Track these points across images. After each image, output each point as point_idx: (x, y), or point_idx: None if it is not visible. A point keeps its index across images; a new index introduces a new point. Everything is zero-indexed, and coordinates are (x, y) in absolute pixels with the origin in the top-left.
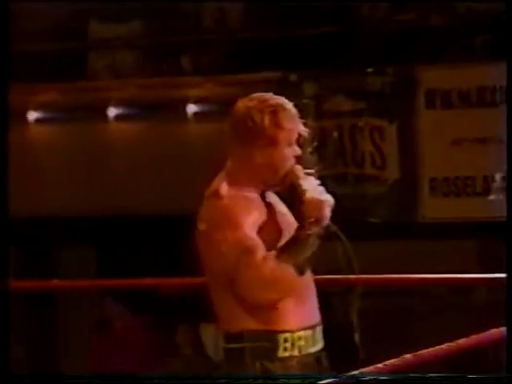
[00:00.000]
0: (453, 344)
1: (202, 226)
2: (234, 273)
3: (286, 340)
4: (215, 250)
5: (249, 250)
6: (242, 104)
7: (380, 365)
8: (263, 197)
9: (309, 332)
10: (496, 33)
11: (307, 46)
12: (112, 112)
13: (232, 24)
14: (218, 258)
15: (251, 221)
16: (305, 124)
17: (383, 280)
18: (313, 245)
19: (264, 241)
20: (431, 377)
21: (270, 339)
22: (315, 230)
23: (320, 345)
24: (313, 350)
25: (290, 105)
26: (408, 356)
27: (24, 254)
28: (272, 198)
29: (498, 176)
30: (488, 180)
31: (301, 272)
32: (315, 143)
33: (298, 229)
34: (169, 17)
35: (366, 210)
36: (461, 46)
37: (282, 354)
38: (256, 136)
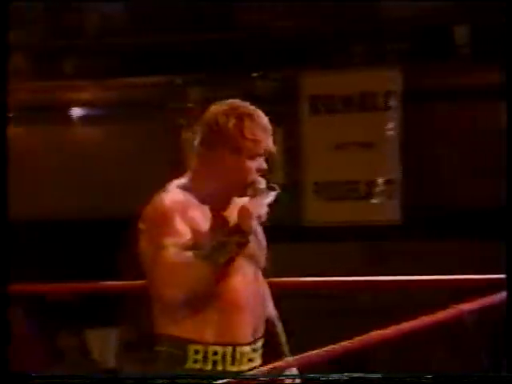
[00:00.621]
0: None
1: (140, 225)
2: (149, 270)
3: (196, 352)
4: (141, 249)
5: (162, 246)
6: (213, 107)
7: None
8: (223, 203)
9: (229, 348)
10: (378, 40)
11: (193, 50)
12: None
13: (117, 28)
14: (143, 257)
15: (182, 227)
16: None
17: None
18: (230, 252)
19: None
20: (429, 376)
21: (180, 347)
22: (235, 237)
23: (253, 364)
24: (237, 368)
25: (261, 117)
26: (289, 359)
27: None
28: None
29: (380, 180)
30: (371, 184)
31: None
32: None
33: (221, 234)
34: (53, 20)
35: None
36: (344, 52)
37: (191, 365)
38: (219, 140)
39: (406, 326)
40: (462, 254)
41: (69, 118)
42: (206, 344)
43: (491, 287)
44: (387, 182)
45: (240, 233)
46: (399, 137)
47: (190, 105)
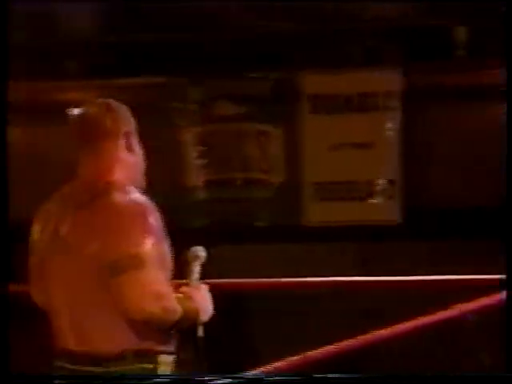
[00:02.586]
0: (341, 344)
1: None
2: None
3: (165, 363)
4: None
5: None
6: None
7: (279, 363)
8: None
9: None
10: (377, 40)
11: (192, 50)
12: None
13: (115, 28)
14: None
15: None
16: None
17: (271, 284)
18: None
19: None
20: (429, 376)
21: (150, 360)
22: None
23: None
24: None
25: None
26: (310, 353)
27: None
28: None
29: (380, 180)
30: (371, 184)
31: None
32: (202, 148)
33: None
34: (52, 20)
35: (253, 214)
36: (343, 52)
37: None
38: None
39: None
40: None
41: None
42: (172, 354)
43: (491, 287)
44: (387, 183)
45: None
46: (399, 137)
47: (190, 105)
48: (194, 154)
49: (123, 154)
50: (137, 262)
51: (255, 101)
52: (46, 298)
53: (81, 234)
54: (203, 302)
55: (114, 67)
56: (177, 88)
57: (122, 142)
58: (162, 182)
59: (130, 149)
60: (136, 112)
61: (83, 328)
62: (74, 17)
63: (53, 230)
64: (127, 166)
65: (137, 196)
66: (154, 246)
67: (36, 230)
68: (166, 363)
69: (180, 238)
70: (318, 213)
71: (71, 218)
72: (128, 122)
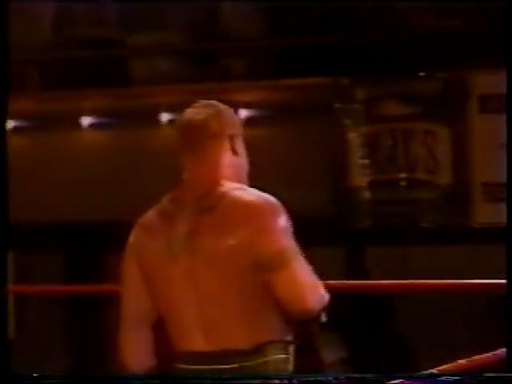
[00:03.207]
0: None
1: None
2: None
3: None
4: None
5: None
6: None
7: (434, 370)
8: None
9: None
10: None
11: (359, 50)
12: (164, 117)
13: (284, 29)
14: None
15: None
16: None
17: (436, 285)
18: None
19: None
20: (429, 376)
21: (285, 351)
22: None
23: None
24: None
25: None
26: (462, 361)
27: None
28: None
29: None
30: None
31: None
32: (367, 148)
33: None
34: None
35: (418, 215)
36: None
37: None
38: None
39: None
40: None
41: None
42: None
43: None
44: None
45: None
46: None
47: (356, 105)
48: (359, 154)
49: (230, 156)
50: (287, 257)
51: (423, 100)
52: (163, 303)
53: (214, 236)
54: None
55: (280, 68)
56: (342, 88)
57: (227, 145)
58: (326, 182)
59: (235, 152)
60: (301, 112)
61: (216, 327)
62: (239, 17)
63: (172, 235)
64: (234, 167)
65: (261, 194)
66: (292, 239)
67: (144, 237)
68: (293, 353)
69: (345, 239)
70: (486, 214)
71: (195, 221)
72: (234, 124)
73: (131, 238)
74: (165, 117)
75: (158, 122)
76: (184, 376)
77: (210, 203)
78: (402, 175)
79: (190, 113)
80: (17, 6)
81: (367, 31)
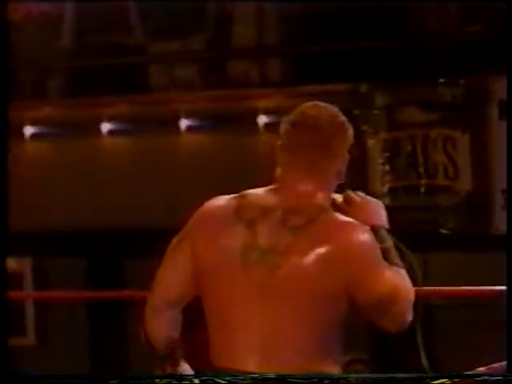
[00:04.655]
0: None
1: None
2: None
3: None
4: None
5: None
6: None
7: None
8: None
9: None
10: None
11: (378, 56)
12: (183, 124)
13: (304, 35)
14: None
15: None
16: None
17: (454, 292)
18: None
19: None
20: (429, 376)
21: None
22: None
23: None
24: None
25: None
26: (496, 365)
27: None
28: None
29: None
30: None
31: None
32: (387, 154)
33: None
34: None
35: (438, 222)
36: None
37: None
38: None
39: None
40: None
41: (255, 126)
42: None
43: None
44: None
45: None
46: None
47: (376, 111)
48: (379, 161)
49: (334, 177)
50: (391, 298)
51: (442, 106)
52: (215, 302)
53: (302, 258)
54: None
55: (300, 74)
56: (362, 94)
57: (344, 153)
58: (345, 189)
59: (339, 173)
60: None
61: (276, 352)
62: (258, 23)
63: (250, 242)
64: (331, 189)
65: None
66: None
67: (212, 228)
68: None
69: None
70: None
71: (282, 238)
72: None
73: (194, 222)
74: (185, 123)
75: (178, 128)
76: (189, 375)
77: (303, 222)
78: (422, 182)
79: (312, 109)
80: (37, 13)
81: (387, 37)
